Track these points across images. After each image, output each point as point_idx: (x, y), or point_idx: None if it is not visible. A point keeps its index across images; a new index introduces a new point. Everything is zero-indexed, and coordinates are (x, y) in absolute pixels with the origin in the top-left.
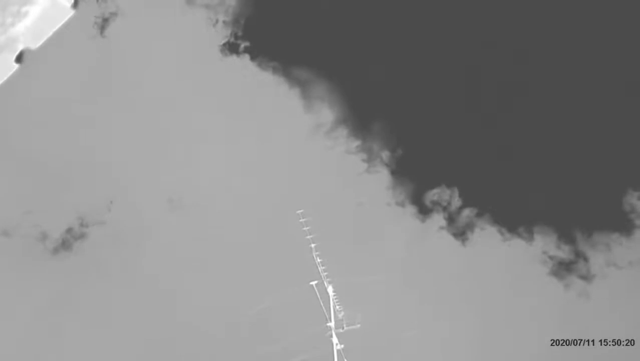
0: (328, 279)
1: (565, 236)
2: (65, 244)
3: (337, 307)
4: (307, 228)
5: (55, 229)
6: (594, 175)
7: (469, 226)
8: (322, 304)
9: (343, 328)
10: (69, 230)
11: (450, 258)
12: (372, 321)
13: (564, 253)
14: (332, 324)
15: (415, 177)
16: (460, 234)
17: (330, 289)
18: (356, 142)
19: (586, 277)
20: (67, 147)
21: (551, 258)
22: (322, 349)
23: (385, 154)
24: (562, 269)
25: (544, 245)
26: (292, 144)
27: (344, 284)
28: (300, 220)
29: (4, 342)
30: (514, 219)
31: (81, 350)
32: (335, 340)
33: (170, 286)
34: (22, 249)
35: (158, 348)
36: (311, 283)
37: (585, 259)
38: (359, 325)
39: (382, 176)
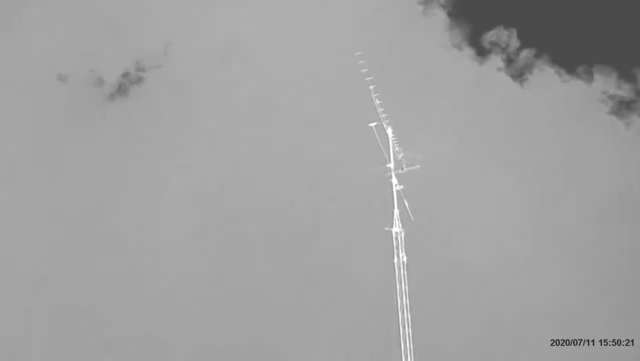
0: (387, 121)
1: (626, 74)
2: (121, 90)
3: (397, 148)
4: (365, 69)
5: (111, 74)
6: None
7: (528, 67)
8: (381, 146)
9: (403, 169)
10: (126, 75)
11: (509, 99)
12: (432, 163)
13: (624, 92)
14: (391, 165)
15: (473, 18)
16: (519, 75)
17: (389, 131)
18: None
19: None
20: None
21: (611, 97)
22: (382, 190)
23: None
24: (623, 108)
25: (603, 85)
26: None
27: (403, 126)
28: (359, 62)
29: (64, 187)
30: (573, 60)
31: (138, 191)
32: (394, 180)
33: (227, 131)
34: (79, 94)
35: (214, 193)
36: (370, 124)
37: None
38: (418, 166)
39: (439, 19)
